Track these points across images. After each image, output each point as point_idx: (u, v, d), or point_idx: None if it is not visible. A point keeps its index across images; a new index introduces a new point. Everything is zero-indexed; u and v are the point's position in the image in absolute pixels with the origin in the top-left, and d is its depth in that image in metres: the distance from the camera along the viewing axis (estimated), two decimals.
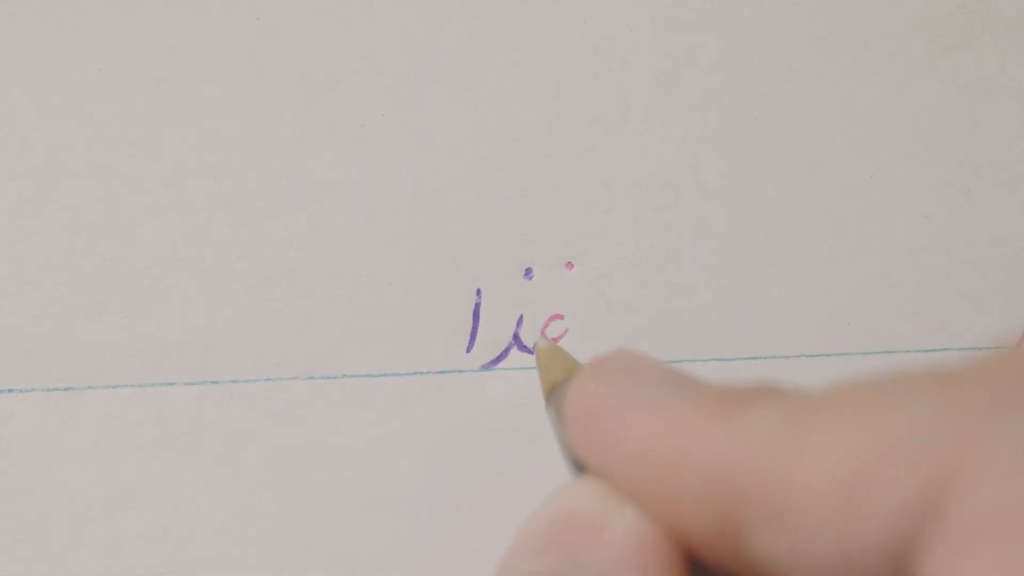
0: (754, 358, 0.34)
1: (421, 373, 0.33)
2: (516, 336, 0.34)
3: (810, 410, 0.16)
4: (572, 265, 0.33)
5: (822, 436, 0.15)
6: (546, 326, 0.34)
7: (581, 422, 0.18)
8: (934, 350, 0.35)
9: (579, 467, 0.19)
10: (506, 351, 0.34)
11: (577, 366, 0.22)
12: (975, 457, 0.14)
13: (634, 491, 0.17)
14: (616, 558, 0.17)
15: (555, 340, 0.34)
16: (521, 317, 0.34)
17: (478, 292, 0.33)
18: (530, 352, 0.34)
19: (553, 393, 0.22)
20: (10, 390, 0.32)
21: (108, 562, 0.33)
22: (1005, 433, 0.13)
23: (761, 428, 0.16)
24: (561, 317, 0.34)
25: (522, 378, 0.34)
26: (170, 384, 0.33)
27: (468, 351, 0.33)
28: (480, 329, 0.33)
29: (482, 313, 0.33)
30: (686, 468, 0.16)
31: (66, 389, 0.32)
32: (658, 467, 0.17)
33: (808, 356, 0.34)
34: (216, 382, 0.33)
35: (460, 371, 0.34)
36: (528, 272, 0.33)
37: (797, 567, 0.15)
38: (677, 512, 0.17)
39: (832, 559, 0.15)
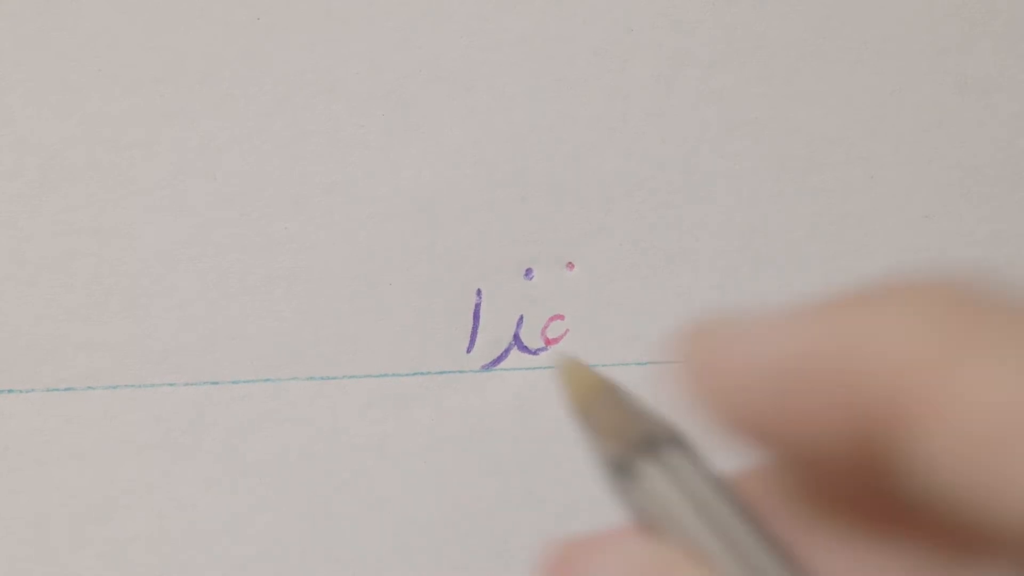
0: None
1: (421, 373, 0.33)
2: (516, 336, 0.34)
3: (981, 319, 0.14)
4: (572, 265, 0.33)
5: (996, 352, 0.13)
6: (546, 326, 0.34)
7: (701, 360, 0.16)
8: None
9: (616, 469, 0.18)
10: (506, 352, 0.34)
11: (600, 380, 0.21)
12: None
13: (764, 423, 0.15)
14: None
15: (555, 340, 0.34)
16: (521, 317, 0.34)
17: (478, 292, 0.33)
18: (531, 352, 0.34)
19: (584, 408, 0.21)
20: (10, 390, 0.32)
21: (108, 562, 0.33)
22: None
23: (920, 326, 0.14)
24: (561, 317, 0.34)
25: (522, 379, 0.34)
26: (170, 384, 0.33)
27: (468, 351, 0.33)
28: (480, 329, 0.33)
29: (482, 313, 0.33)
30: (832, 373, 0.14)
31: (66, 389, 0.32)
32: (793, 379, 0.15)
33: None
34: (216, 382, 0.33)
35: (460, 372, 0.33)
36: (528, 272, 0.33)
37: (950, 490, 0.14)
38: (813, 435, 0.15)
39: (988, 495, 0.13)
